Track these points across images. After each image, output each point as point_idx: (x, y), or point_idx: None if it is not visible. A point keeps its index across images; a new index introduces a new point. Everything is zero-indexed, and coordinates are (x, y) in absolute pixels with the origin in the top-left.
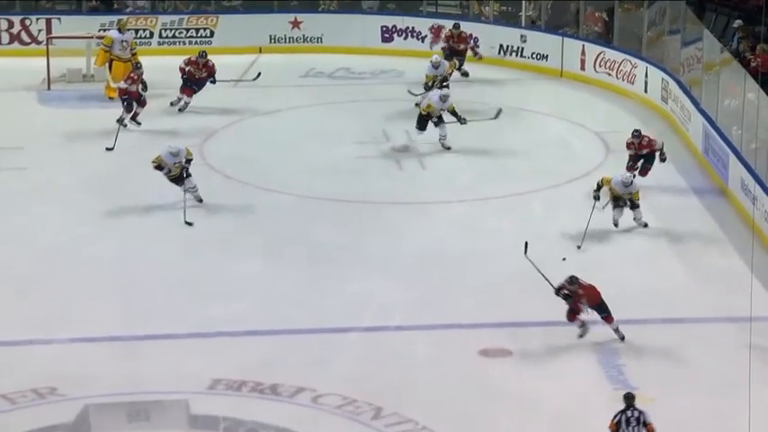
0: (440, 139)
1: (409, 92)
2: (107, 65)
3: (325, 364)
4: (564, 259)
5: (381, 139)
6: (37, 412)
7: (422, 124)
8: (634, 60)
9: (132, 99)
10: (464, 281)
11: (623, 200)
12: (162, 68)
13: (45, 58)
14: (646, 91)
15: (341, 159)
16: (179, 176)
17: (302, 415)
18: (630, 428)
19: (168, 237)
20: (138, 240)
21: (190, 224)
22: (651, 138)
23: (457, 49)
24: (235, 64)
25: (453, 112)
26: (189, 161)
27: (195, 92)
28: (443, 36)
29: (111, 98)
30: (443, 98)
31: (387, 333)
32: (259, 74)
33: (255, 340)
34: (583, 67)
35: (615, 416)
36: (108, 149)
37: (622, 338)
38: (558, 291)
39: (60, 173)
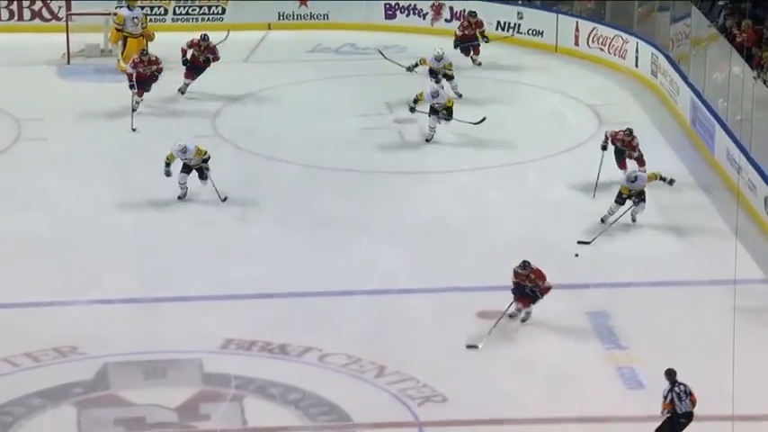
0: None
1: (380, 52)
2: (121, 42)
3: (331, 326)
4: (576, 255)
5: (384, 112)
6: (59, 370)
7: (412, 110)
8: (625, 36)
9: (140, 81)
10: (464, 246)
11: (629, 195)
12: (176, 45)
13: (65, 34)
14: (636, 65)
15: (346, 131)
16: (200, 170)
17: (309, 373)
18: (682, 402)
19: (183, 205)
20: (153, 208)
21: (225, 199)
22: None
23: (471, 35)
24: (245, 40)
25: (447, 109)
26: (206, 161)
27: (195, 76)
28: (459, 26)
29: (123, 72)
30: (434, 95)
31: (390, 296)
32: (228, 34)
33: (265, 303)
34: (576, 43)
35: (666, 395)
36: (133, 130)
37: (524, 319)
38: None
39: (79, 143)
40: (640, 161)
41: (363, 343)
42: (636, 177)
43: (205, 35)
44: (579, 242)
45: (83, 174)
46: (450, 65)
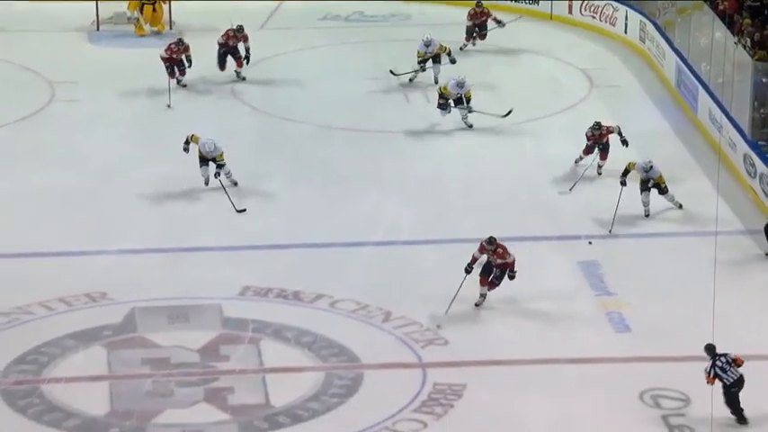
0: (462, 119)
1: (391, 72)
2: (139, 8)
3: (341, 274)
4: (590, 243)
5: (389, 77)
6: (90, 314)
7: (442, 105)
8: (615, 4)
9: (173, 65)
10: (464, 201)
11: (647, 183)
12: (191, 13)
13: (94, 2)
14: (626, 32)
15: (355, 93)
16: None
17: (321, 318)
18: (728, 373)
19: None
20: (177, 165)
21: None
22: (608, 126)
23: (479, 21)
24: (260, 9)
25: (468, 99)
26: (220, 166)
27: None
28: (468, 16)
29: (140, 35)
30: (459, 85)
31: (396, 247)
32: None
33: (280, 252)
34: (570, 11)
35: (708, 371)
36: (168, 107)
37: (478, 304)
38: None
39: (108, 104)
40: (602, 154)
41: (371, 290)
42: (651, 167)
43: (240, 26)
44: (609, 231)
45: (112, 132)
46: (444, 47)
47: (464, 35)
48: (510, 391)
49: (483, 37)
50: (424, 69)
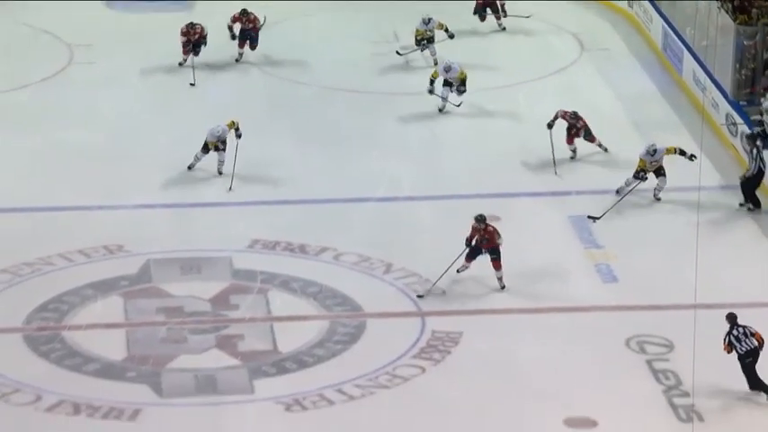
0: (442, 98)
1: (397, 52)
2: None
3: (344, 228)
4: (594, 221)
5: (392, 40)
6: (108, 265)
7: (430, 91)
8: None
9: (192, 45)
10: (462, 159)
11: (647, 171)
12: None
13: None
14: None
15: (358, 56)
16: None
17: (325, 270)
18: (742, 344)
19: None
20: (189, 124)
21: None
22: (584, 121)
23: (491, 1)
24: None
25: (462, 81)
26: (223, 141)
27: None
28: None
29: None
30: (446, 69)
31: (397, 202)
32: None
33: (287, 208)
34: None
35: (725, 338)
36: (191, 85)
37: (503, 287)
38: (468, 241)
39: (124, 66)
40: (591, 138)
41: (373, 243)
42: (655, 150)
43: (244, 9)
44: (589, 217)
45: (127, 93)
46: (441, 24)
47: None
48: (503, 338)
49: (499, 17)
50: (423, 49)
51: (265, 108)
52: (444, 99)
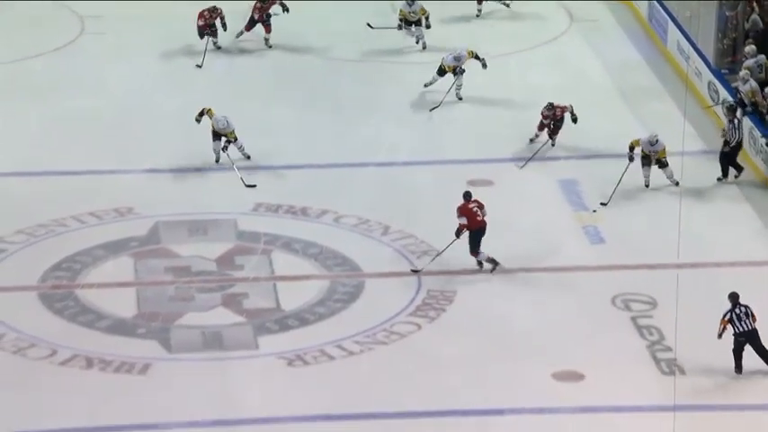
0: (455, 89)
1: (368, 25)
2: None
3: (344, 192)
4: (594, 211)
5: (389, 12)
6: (118, 227)
7: (441, 72)
8: None
9: (207, 29)
10: (457, 125)
11: (650, 158)
12: None
13: None
14: None
15: (359, 28)
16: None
17: (326, 232)
18: (741, 322)
19: (222, 89)
20: (197, 93)
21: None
22: (561, 106)
23: None
24: None
25: (476, 57)
26: (229, 142)
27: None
28: None
29: None
30: (457, 59)
31: (395, 167)
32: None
33: (290, 172)
34: None
35: (725, 314)
36: (198, 66)
37: (493, 268)
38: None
39: (134, 38)
40: (556, 130)
41: (372, 206)
42: (656, 141)
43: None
44: (602, 204)
45: (136, 63)
46: (424, 10)
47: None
48: (495, 296)
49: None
50: (400, 28)
51: (270, 77)
52: (458, 88)
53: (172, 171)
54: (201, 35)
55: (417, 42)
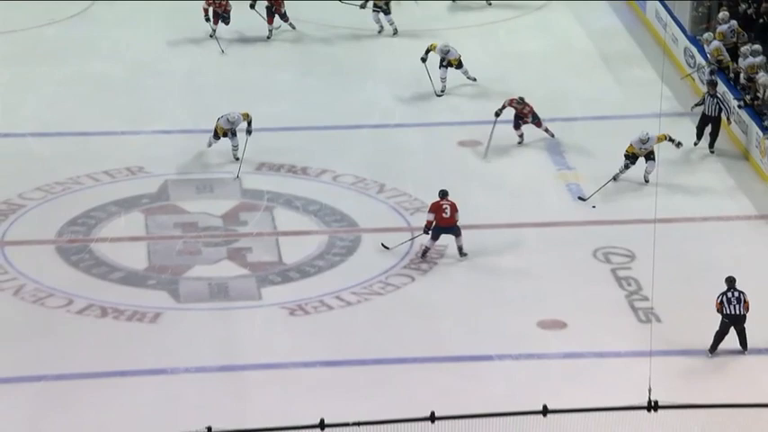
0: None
1: None
2: None
3: (342, 152)
4: (594, 207)
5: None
6: (130, 185)
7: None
8: None
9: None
10: (448, 88)
11: (637, 157)
12: None
13: None
14: None
15: None
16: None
17: (325, 190)
18: (731, 306)
19: (227, 55)
20: (204, 57)
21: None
22: (530, 106)
23: None
24: None
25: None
26: (250, 128)
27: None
28: None
29: None
30: (444, 51)
31: (389, 129)
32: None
33: (290, 134)
34: None
35: (718, 297)
36: (222, 52)
37: (463, 254)
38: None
39: (144, 5)
40: (538, 123)
41: (367, 166)
42: (648, 138)
43: None
44: (579, 198)
45: (147, 29)
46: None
47: None
48: (484, 250)
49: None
50: (364, 7)
51: (271, 44)
52: (443, 80)
53: (180, 132)
54: (208, 19)
55: (381, 32)
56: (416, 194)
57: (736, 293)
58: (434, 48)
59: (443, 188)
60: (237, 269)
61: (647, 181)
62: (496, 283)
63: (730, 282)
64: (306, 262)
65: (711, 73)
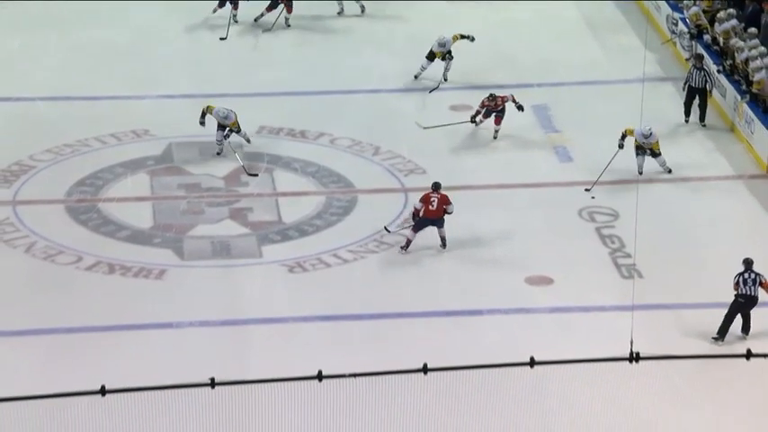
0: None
1: None
2: None
3: (339, 116)
4: (593, 197)
5: None
6: (135, 147)
7: (430, 57)
8: None
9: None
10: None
11: (644, 149)
12: None
13: None
14: None
15: None
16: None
17: (322, 152)
18: (747, 287)
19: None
20: (206, 26)
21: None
22: (502, 96)
23: None
24: None
25: (462, 36)
26: (231, 131)
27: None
28: None
29: None
30: (442, 45)
31: (384, 94)
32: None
33: (289, 98)
34: None
35: (735, 277)
36: (222, 39)
37: (444, 246)
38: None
39: None
40: (497, 119)
41: (363, 129)
42: (650, 134)
43: None
44: (586, 189)
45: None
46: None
47: None
48: (474, 210)
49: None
50: None
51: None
52: (423, 69)
53: (184, 96)
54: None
55: (341, 13)
56: (410, 157)
57: (753, 275)
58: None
59: (436, 180)
60: (239, 228)
61: (669, 171)
62: (486, 241)
63: (748, 263)
64: (304, 221)
65: (691, 38)
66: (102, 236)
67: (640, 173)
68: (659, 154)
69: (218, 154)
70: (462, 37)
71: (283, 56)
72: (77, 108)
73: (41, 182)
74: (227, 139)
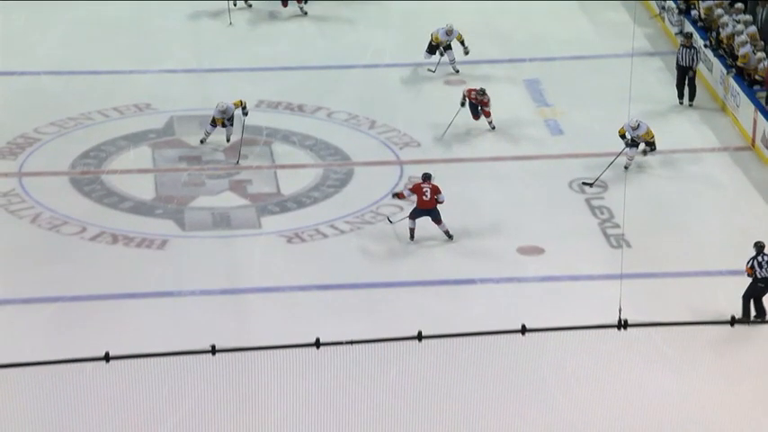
0: (450, 63)
1: None
2: None
3: (336, 91)
4: (591, 185)
5: None
6: (138, 120)
7: (431, 50)
8: None
9: None
10: (434, 29)
11: (636, 143)
12: None
13: None
14: None
15: None
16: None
17: (320, 126)
18: (762, 269)
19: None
20: (209, 2)
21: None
22: (484, 100)
23: None
24: None
25: (461, 42)
26: (224, 125)
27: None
28: None
29: None
30: (448, 33)
31: (380, 69)
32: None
33: (288, 73)
34: None
35: (748, 261)
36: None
37: (450, 237)
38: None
39: None
40: (486, 112)
41: (359, 103)
42: (638, 125)
43: None
44: (584, 183)
45: None
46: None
47: None
48: (468, 182)
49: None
50: None
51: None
52: (452, 61)
53: (185, 71)
54: None
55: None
56: (405, 130)
57: (767, 258)
58: (438, 38)
59: (427, 171)
60: (238, 199)
61: (644, 153)
62: (478, 212)
63: (760, 247)
64: (302, 193)
65: (680, 12)
66: (105, 207)
67: (626, 167)
68: (653, 145)
69: (201, 142)
70: (462, 42)
71: (281, 31)
72: (80, 82)
73: (46, 154)
74: (246, 116)
